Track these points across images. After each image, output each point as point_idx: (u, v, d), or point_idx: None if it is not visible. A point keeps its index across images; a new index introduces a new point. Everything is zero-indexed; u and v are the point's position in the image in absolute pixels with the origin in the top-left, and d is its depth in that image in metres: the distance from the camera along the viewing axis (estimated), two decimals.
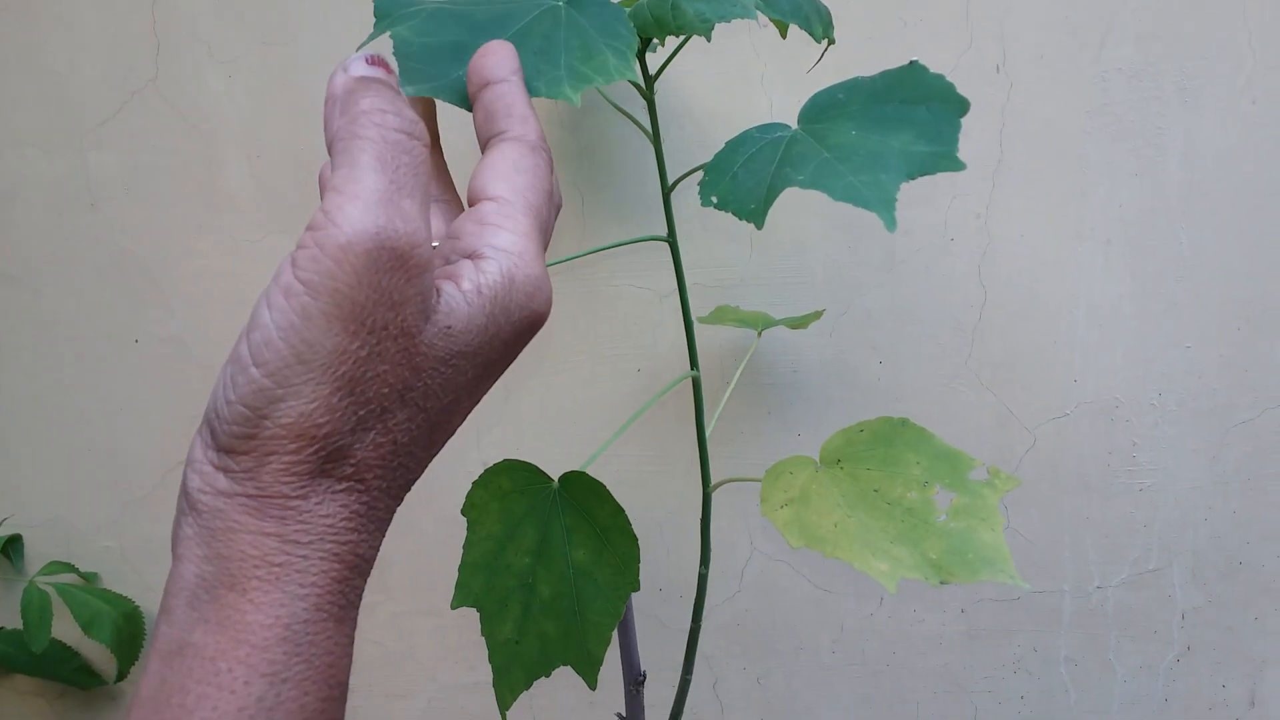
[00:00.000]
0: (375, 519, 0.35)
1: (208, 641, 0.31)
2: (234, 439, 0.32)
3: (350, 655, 0.35)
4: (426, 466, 0.37)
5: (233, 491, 0.32)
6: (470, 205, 0.37)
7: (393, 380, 0.33)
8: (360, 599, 0.35)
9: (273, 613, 0.32)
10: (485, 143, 0.39)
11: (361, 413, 0.33)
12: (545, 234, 0.38)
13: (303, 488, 0.32)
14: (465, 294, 0.34)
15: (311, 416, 0.32)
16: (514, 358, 0.38)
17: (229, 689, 0.31)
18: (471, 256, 0.36)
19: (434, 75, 0.43)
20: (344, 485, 0.33)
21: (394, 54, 0.44)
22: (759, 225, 0.49)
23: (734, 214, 0.50)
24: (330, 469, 0.33)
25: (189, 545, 0.33)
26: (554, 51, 0.46)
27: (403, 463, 0.35)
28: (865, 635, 0.89)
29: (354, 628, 0.35)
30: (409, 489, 0.36)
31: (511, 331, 0.36)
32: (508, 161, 0.37)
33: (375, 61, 0.38)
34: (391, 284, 0.32)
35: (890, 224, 0.44)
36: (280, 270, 0.32)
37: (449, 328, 0.34)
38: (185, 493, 0.33)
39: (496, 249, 0.35)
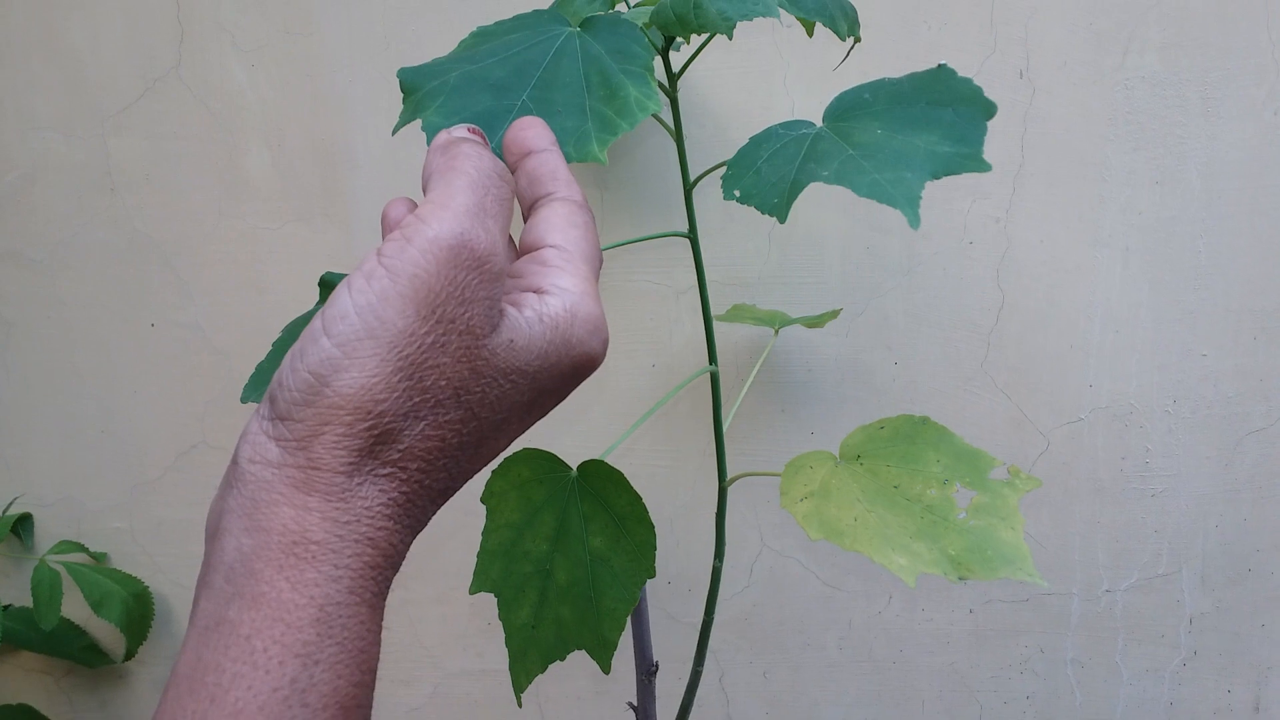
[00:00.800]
0: (410, 514, 0.35)
1: (243, 618, 0.32)
2: (293, 405, 0.33)
3: (379, 644, 0.35)
4: (466, 481, 0.38)
5: (282, 462, 0.33)
6: (527, 254, 0.40)
7: (451, 375, 0.35)
8: (388, 591, 0.36)
9: (308, 592, 0.32)
10: (530, 204, 0.42)
11: (416, 399, 0.34)
12: (597, 283, 0.41)
13: (350, 464, 0.33)
14: (527, 319, 0.37)
15: (371, 390, 0.33)
16: (566, 394, 0.40)
17: (263, 668, 0.31)
18: (535, 291, 0.38)
19: None
20: (387, 470, 0.34)
21: (428, 144, 0.47)
22: (782, 219, 0.49)
23: (757, 208, 0.51)
24: (379, 450, 0.34)
25: (231, 518, 0.33)
26: (576, 98, 0.48)
27: (446, 465, 0.36)
28: (873, 633, 0.90)
29: (382, 617, 0.35)
30: (446, 497, 0.37)
31: (570, 364, 0.38)
32: (560, 217, 0.40)
33: (474, 131, 0.43)
34: (466, 281, 0.34)
35: (914, 221, 0.44)
36: (364, 260, 0.35)
37: (511, 340, 0.36)
38: (234, 463, 0.34)
39: (559, 287, 0.38)
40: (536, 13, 0.54)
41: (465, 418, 0.36)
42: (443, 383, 0.35)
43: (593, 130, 0.46)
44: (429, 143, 0.47)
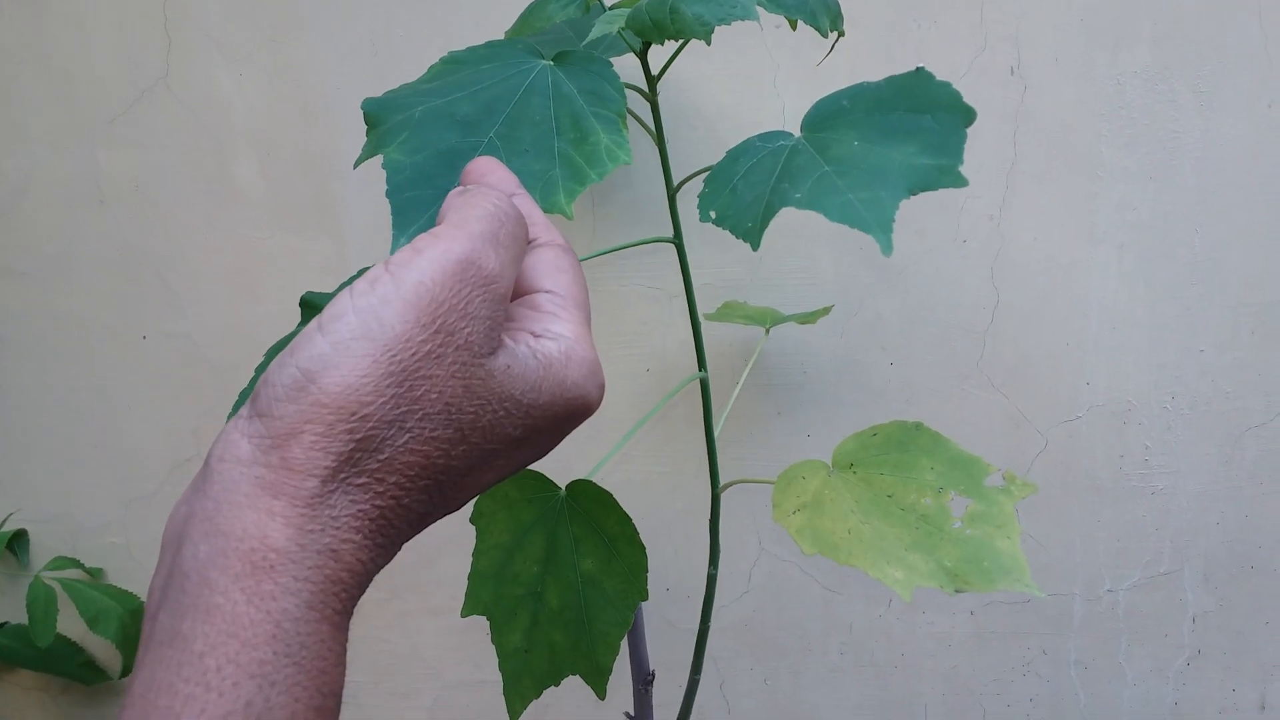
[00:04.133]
0: (382, 533, 0.34)
1: (196, 631, 0.30)
2: (275, 401, 0.32)
3: (343, 666, 0.33)
4: (446, 512, 0.37)
5: (252, 460, 0.32)
6: (517, 299, 0.40)
7: (444, 389, 0.34)
8: (352, 611, 0.34)
9: (264, 605, 0.30)
10: None
11: (404, 408, 0.33)
12: (590, 328, 0.41)
13: (326, 469, 0.32)
14: (522, 353, 0.36)
15: (358, 391, 0.32)
16: (559, 438, 0.39)
17: (217, 689, 0.29)
18: (531, 334, 0.38)
19: (429, 199, 0.45)
20: (362, 480, 0.33)
21: (387, 182, 0.46)
22: (754, 246, 0.47)
23: (731, 231, 0.49)
24: (357, 458, 0.32)
25: (193, 524, 0.32)
26: (545, 138, 0.47)
27: (426, 486, 0.34)
28: (874, 637, 0.89)
29: (346, 638, 0.34)
30: (424, 524, 0.36)
31: (564, 405, 0.37)
32: (547, 262, 0.40)
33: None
34: (470, 296, 0.34)
35: (886, 248, 0.43)
36: (371, 269, 0.34)
37: (508, 366, 0.35)
38: (205, 464, 0.33)
39: (554, 332, 0.38)
40: (510, 42, 0.53)
41: (455, 439, 0.34)
42: (434, 395, 0.33)
43: (560, 178, 0.45)
44: (390, 181, 0.46)
